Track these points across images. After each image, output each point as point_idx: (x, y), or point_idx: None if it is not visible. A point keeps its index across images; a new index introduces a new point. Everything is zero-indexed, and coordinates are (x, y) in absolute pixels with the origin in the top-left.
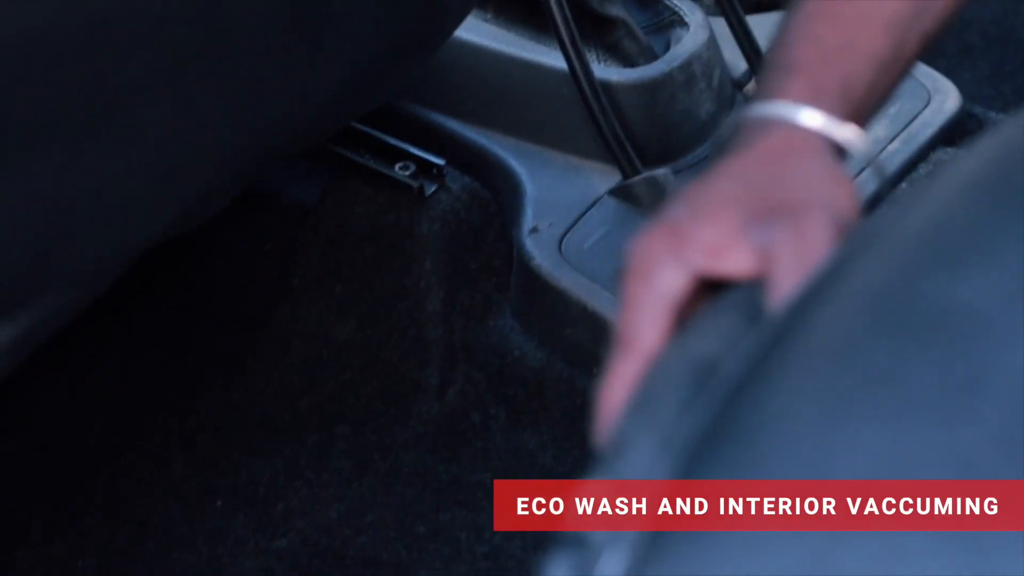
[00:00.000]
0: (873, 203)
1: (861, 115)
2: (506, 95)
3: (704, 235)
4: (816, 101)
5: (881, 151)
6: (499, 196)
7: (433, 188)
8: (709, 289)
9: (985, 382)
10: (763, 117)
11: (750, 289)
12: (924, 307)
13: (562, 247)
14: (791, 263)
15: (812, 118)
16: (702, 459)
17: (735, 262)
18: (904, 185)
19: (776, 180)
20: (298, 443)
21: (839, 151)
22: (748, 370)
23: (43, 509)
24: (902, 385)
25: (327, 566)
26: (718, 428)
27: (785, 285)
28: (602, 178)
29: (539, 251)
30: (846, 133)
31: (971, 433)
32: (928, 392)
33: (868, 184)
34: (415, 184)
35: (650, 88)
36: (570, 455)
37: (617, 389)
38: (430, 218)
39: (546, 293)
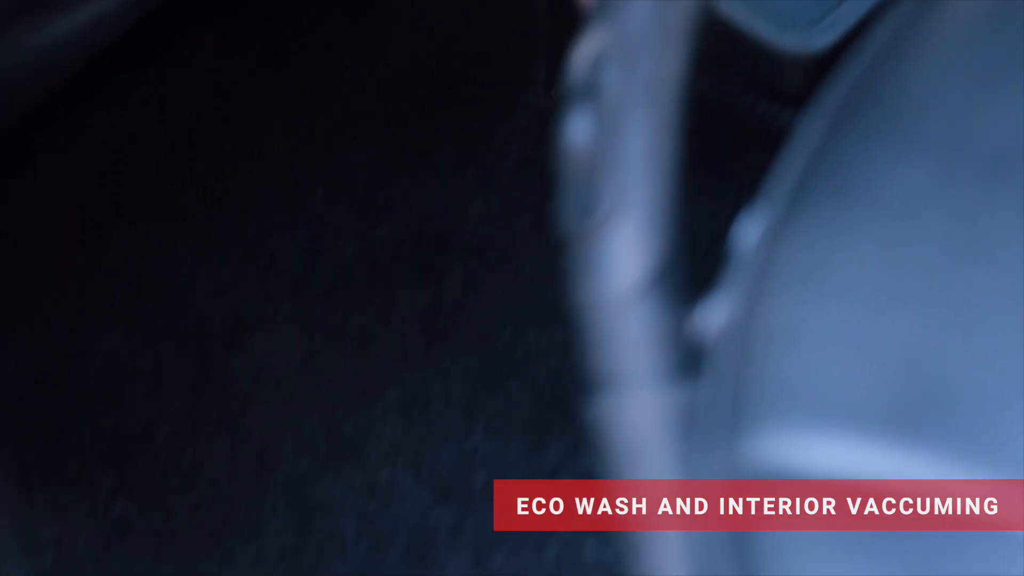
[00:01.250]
0: None
1: None
2: None
3: None
4: None
5: None
6: None
7: None
8: None
9: None
10: None
11: None
12: None
13: None
14: None
15: None
16: (849, 112)
17: None
18: None
19: None
20: (401, 132)
21: None
22: (891, 40)
23: (140, 191)
24: None
25: (430, 253)
26: (863, 89)
27: None
28: None
29: None
30: None
31: None
32: None
33: None
34: None
35: None
36: None
37: None
38: None
39: None
